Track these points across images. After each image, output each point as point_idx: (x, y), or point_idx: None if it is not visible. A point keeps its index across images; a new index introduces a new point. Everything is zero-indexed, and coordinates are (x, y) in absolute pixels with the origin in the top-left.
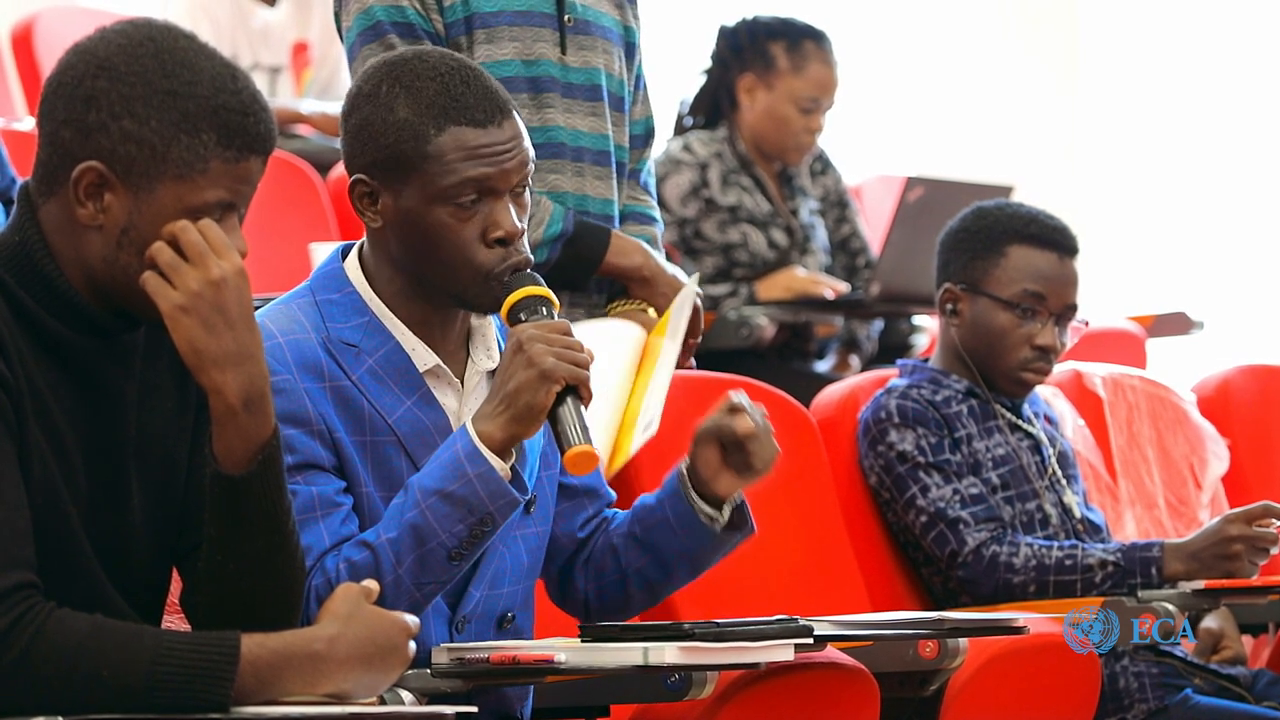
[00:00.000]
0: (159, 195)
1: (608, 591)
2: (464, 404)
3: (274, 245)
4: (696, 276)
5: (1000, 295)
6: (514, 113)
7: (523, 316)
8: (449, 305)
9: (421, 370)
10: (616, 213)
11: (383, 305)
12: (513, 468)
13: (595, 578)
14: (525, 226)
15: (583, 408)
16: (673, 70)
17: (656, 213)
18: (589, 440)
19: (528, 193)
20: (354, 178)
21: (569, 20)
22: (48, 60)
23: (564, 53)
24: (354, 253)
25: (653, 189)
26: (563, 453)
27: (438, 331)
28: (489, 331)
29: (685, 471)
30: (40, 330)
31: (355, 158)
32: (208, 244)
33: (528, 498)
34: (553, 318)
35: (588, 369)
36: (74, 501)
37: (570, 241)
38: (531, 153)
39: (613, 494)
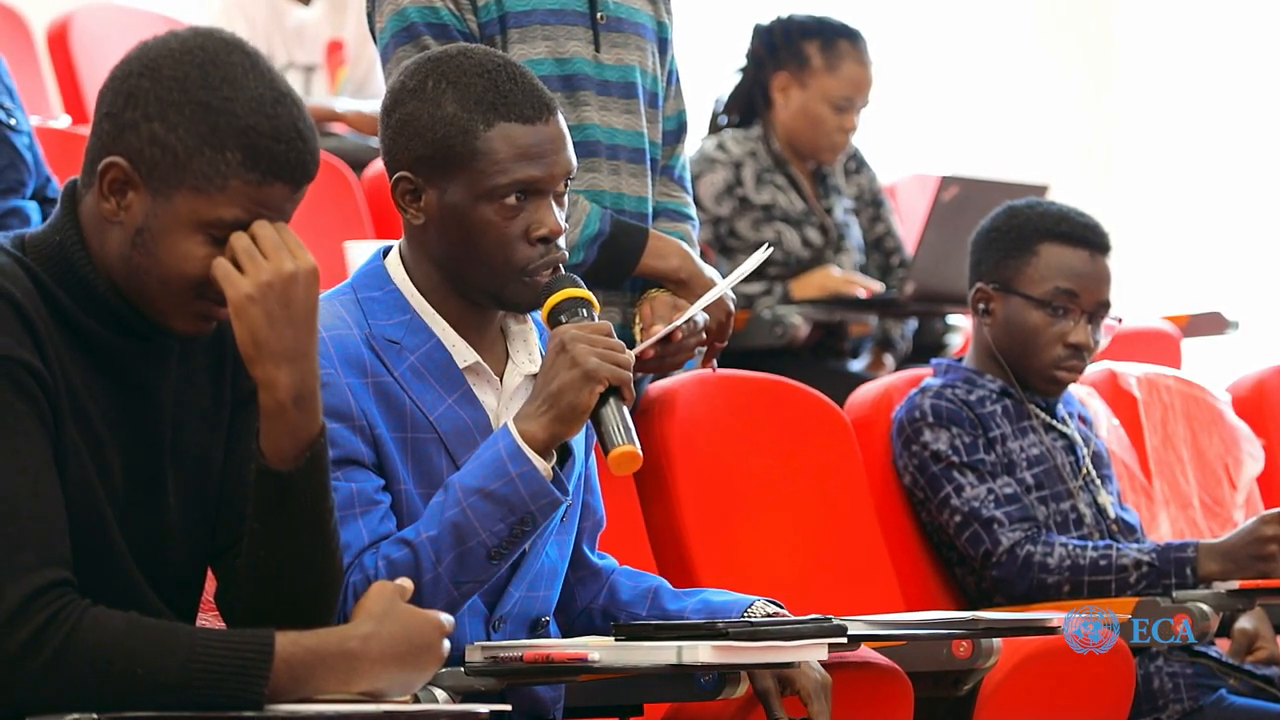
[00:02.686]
0: (175, 203)
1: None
2: (504, 405)
3: (308, 243)
4: (768, 248)
5: (1032, 294)
6: (558, 111)
7: (563, 318)
8: (487, 303)
9: (461, 367)
10: (650, 210)
11: (424, 302)
12: (554, 468)
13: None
14: (565, 224)
15: (625, 408)
16: (708, 67)
17: (691, 209)
18: (633, 441)
19: (568, 192)
20: (397, 175)
21: (602, 18)
22: (83, 58)
23: (597, 50)
24: (394, 251)
25: (688, 184)
26: (606, 453)
27: (474, 329)
28: (530, 335)
29: None
30: (77, 329)
31: (398, 154)
32: (283, 242)
33: (568, 499)
34: (594, 319)
35: (630, 370)
36: (110, 500)
37: (607, 243)
38: (574, 157)
39: (614, 562)
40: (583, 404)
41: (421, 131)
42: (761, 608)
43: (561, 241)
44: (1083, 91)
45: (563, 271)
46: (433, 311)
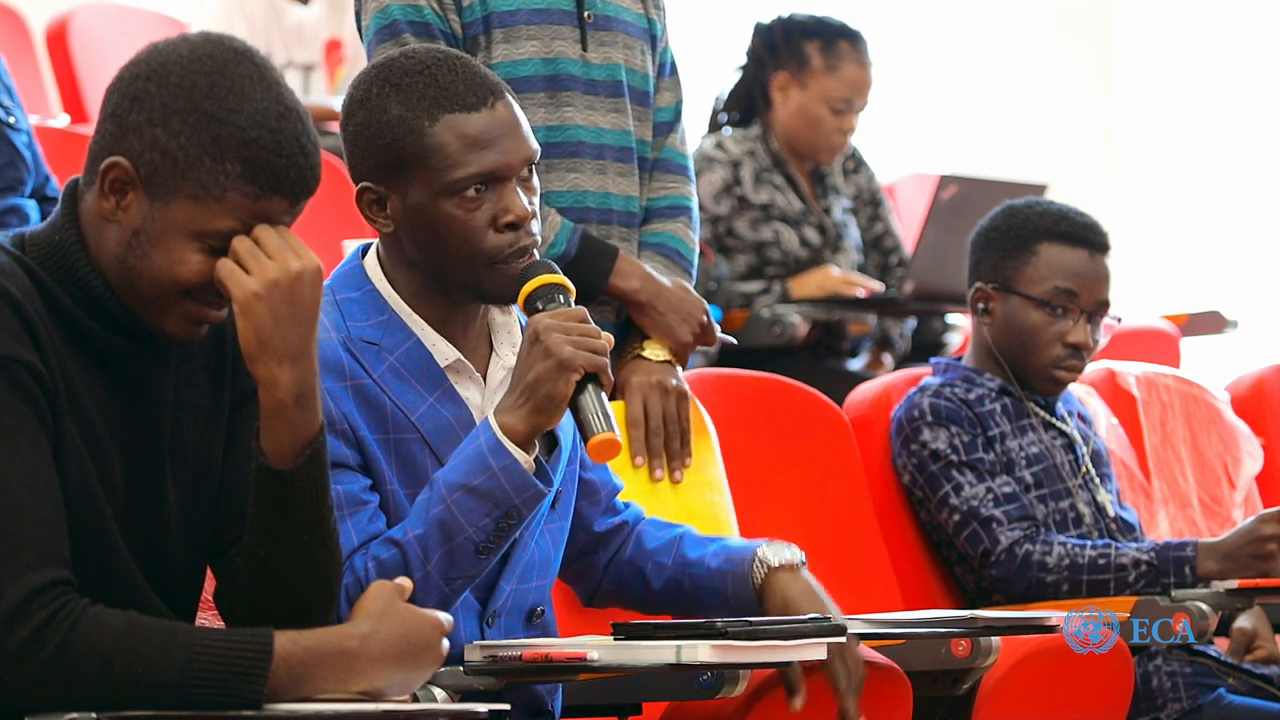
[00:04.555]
0: (173, 209)
1: (625, 598)
2: (488, 400)
3: (306, 241)
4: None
5: (1031, 294)
6: (507, 95)
7: (539, 305)
8: (469, 301)
9: (443, 365)
10: (639, 209)
11: (402, 302)
12: (537, 459)
13: (616, 585)
14: (536, 209)
15: (603, 394)
16: (708, 65)
17: (689, 199)
18: (611, 427)
19: (535, 177)
20: (360, 186)
21: (589, 17)
22: (82, 57)
23: (585, 49)
24: (373, 251)
25: (690, 170)
26: (586, 441)
27: (459, 328)
28: (514, 329)
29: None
30: (76, 329)
31: (358, 165)
32: (286, 244)
33: (553, 489)
34: (570, 305)
35: (606, 355)
36: (109, 499)
37: (572, 265)
38: (534, 141)
39: (620, 483)
40: (560, 393)
41: (372, 139)
42: (769, 552)
43: (535, 226)
44: (1084, 91)
45: (538, 257)
46: (410, 311)
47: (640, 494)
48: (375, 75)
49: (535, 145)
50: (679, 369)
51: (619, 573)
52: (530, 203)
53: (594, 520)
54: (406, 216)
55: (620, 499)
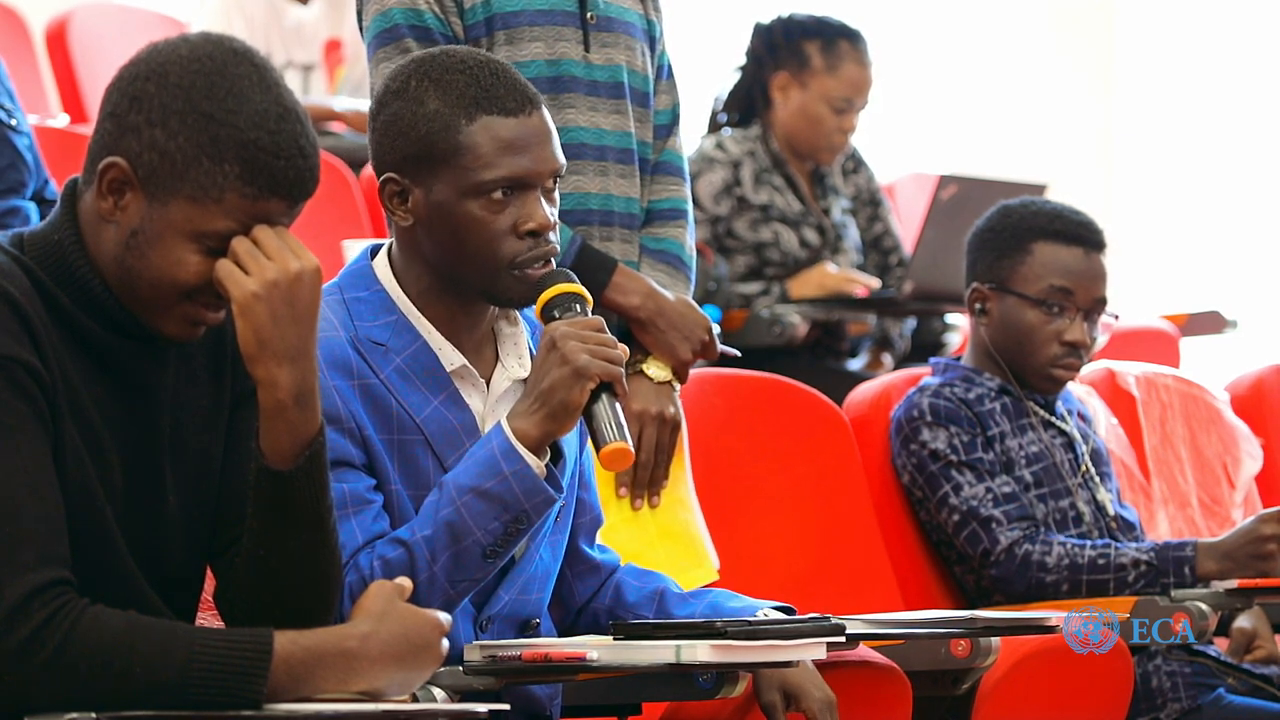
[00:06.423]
0: (171, 210)
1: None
2: (490, 408)
3: (306, 242)
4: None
5: (1028, 293)
6: (543, 107)
7: (556, 314)
8: (479, 302)
9: (448, 370)
10: (640, 210)
11: (410, 304)
12: (548, 465)
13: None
14: (556, 220)
15: (618, 404)
16: (707, 65)
17: (686, 201)
18: (625, 437)
19: (557, 190)
20: (384, 177)
21: (591, 18)
22: (82, 57)
23: (587, 50)
24: (383, 252)
25: (685, 173)
26: (598, 450)
27: (464, 332)
28: (521, 338)
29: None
30: (75, 329)
31: (385, 155)
32: (285, 245)
33: (563, 496)
34: (587, 315)
35: (622, 365)
36: (109, 499)
37: None
38: (562, 155)
39: (603, 517)
40: (574, 401)
41: (405, 131)
42: (770, 614)
43: (553, 236)
44: (1084, 91)
45: (554, 266)
46: (419, 313)
47: (620, 519)
48: (415, 69)
49: (563, 160)
50: (678, 388)
51: (594, 619)
52: (552, 213)
53: (578, 536)
54: (428, 212)
55: (602, 516)
